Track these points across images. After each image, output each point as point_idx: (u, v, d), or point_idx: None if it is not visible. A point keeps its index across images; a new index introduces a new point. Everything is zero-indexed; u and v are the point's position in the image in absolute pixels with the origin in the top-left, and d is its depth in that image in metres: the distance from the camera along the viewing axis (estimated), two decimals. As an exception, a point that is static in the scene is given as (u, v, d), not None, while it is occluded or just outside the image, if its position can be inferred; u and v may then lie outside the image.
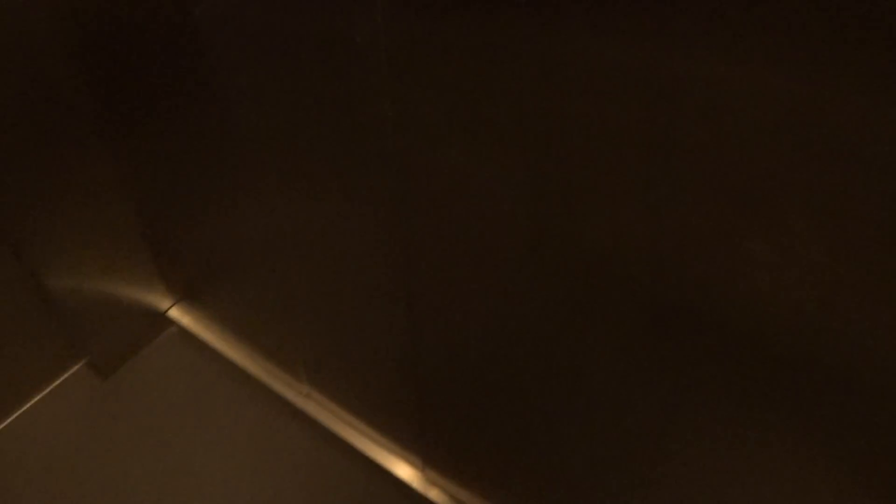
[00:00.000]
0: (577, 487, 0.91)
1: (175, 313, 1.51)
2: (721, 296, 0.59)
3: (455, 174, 0.71)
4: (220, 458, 1.29)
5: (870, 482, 0.60)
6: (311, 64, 0.74)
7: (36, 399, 1.40)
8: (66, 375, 1.44)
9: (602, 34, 0.52)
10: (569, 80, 0.57)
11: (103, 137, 1.20)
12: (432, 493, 1.15)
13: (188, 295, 1.47)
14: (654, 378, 0.70)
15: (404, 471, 1.19)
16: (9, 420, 1.37)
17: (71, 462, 1.29)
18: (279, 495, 1.22)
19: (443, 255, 0.81)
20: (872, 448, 0.58)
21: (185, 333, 1.49)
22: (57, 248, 1.24)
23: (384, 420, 1.19)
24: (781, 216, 0.52)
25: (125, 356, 1.48)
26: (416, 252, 0.84)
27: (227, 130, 0.94)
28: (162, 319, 1.51)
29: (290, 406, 1.32)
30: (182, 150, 1.08)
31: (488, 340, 0.86)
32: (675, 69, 0.51)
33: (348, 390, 1.22)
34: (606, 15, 0.51)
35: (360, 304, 1.00)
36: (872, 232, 0.49)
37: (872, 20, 0.42)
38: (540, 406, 0.87)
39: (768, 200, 0.52)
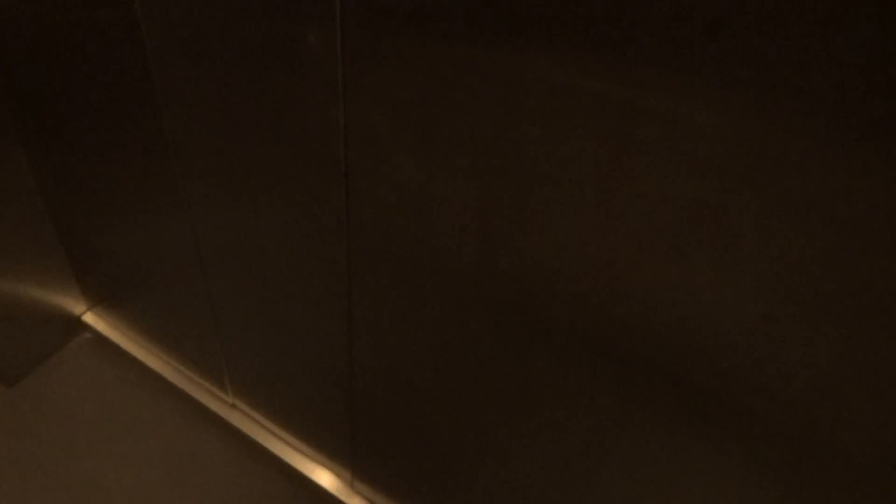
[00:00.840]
0: None
1: (90, 318, 1.44)
2: (664, 314, 0.61)
3: (404, 187, 0.71)
4: (134, 472, 1.23)
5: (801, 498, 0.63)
6: (257, 65, 0.72)
7: (-69, 407, 1.30)
8: (-34, 382, 1.34)
9: (562, 59, 0.53)
10: (525, 100, 0.57)
11: (17, 134, 1.13)
12: (360, 506, 1.14)
13: (104, 299, 1.40)
14: (593, 396, 0.72)
15: (332, 483, 1.16)
16: None
17: (-30, 476, 1.21)
18: (199, 510, 1.18)
19: (387, 269, 0.80)
20: (805, 467, 0.61)
21: (100, 339, 1.42)
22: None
23: (314, 432, 1.16)
24: (727, 235, 0.54)
25: (34, 362, 1.39)
26: (358, 265, 0.82)
27: (156, 132, 0.90)
28: (75, 324, 1.44)
29: (212, 416, 1.27)
30: (104, 149, 1.03)
31: (428, 356, 0.86)
32: (632, 99, 0.52)
33: (278, 401, 1.19)
34: (567, 41, 0.52)
35: (296, 315, 0.98)
36: (814, 252, 0.51)
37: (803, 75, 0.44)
38: (475, 424, 0.87)
39: (715, 221, 0.54)
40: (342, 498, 1.15)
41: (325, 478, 1.17)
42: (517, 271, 0.68)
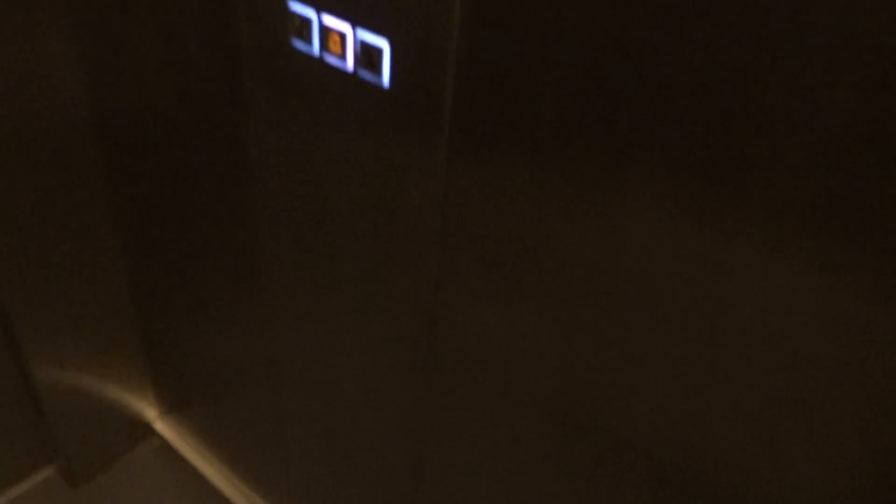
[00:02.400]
0: None
1: (159, 425, 1.44)
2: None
3: (487, 336, 0.69)
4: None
5: None
6: (359, 203, 0.74)
7: (-3, 501, 1.31)
8: (33, 479, 1.35)
9: (665, 210, 0.52)
10: (618, 255, 0.56)
11: (113, 231, 1.18)
12: None
13: (177, 406, 1.41)
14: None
15: None
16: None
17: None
18: None
19: (461, 413, 0.77)
20: None
21: (166, 447, 1.42)
22: (49, 334, 1.20)
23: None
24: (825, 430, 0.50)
25: (101, 465, 1.39)
26: (433, 404, 0.80)
27: (251, 246, 0.93)
28: (145, 429, 1.44)
29: (267, 541, 1.23)
30: (198, 257, 1.06)
31: (498, 501, 0.81)
32: (730, 256, 0.50)
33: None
34: (670, 190, 0.51)
35: (366, 447, 0.95)
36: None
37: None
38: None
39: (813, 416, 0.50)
40: None
41: None
42: (596, 426, 0.65)
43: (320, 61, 0.67)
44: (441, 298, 0.71)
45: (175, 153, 0.96)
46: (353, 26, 0.63)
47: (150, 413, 1.45)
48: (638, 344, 0.59)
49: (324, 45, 0.66)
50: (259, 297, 0.98)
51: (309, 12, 0.66)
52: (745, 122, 0.45)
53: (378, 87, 0.64)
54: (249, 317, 1.03)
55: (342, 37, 0.64)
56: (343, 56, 0.65)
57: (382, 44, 0.61)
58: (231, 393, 1.21)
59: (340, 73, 0.66)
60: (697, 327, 0.54)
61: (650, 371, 0.59)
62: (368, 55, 0.63)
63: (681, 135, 0.48)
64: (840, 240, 0.44)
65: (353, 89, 0.66)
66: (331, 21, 0.64)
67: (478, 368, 0.73)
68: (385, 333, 0.80)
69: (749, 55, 0.43)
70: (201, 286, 1.10)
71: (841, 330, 0.47)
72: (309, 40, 0.67)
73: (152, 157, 1.01)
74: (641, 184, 0.51)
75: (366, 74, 0.64)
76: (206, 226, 0.99)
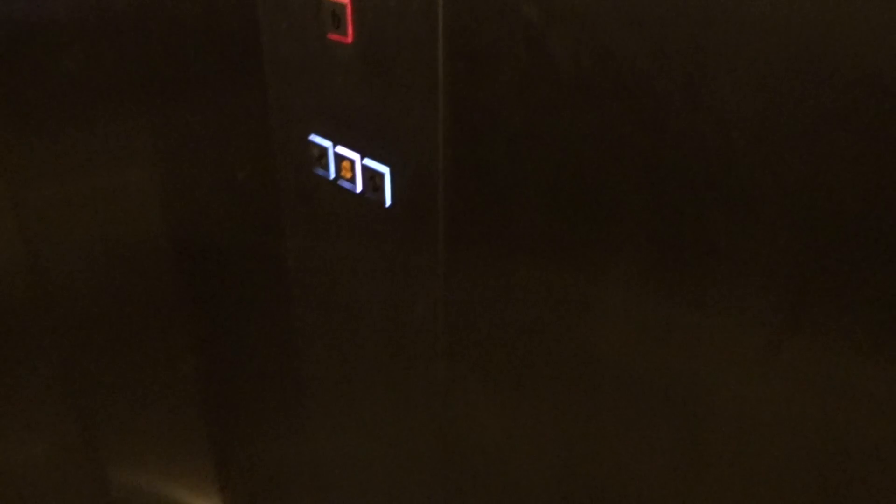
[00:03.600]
0: None
1: (224, 528, 1.48)
2: None
3: (490, 445, 0.71)
4: None
5: None
6: (375, 319, 0.79)
7: None
8: (104, 579, 1.41)
9: (638, 296, 0.54)
10: (598, 345, 0.58)
11: (189, 342, 1.28)
12: None
13: (240, 510, 1.45)
14: None
15: None
16: None
17: None
18: None
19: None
20: None
21: (228, 551, 1.45)
22: (124, 438, 1.28)
23: None
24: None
25: (166, 567, 1.44)
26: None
27: (299, 368, 0.99)
28: (210, 532, 1.49)
29: None
30: (249, 361, 1.13)
31: None
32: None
33: None
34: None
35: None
36: None
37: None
38: None
39: None
40: None
41: None
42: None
43: (335, 184, 0.75)
44: (450, 407, 0.74)
45: (231, 267, 1.05)
46: (361, 156, 0.71)
47: (215, 516, 1.49)
48: (634, 436, 0.59)
49: (338, 171, 0.74)
50: (296, 410, 1.03)
51: (326, 143, 0.74)
52: (705, 210, 0.48)
53: (381, 206, 0.70)
54: (292, 420, 1.08)
55: (352, 163, 0.72)
56: (353, 180, 0.72)
57: (384, 169, 0.68)
58: (288, 497, 1.24)
59: (351, 194, 0.74)
60: (685, 412, 0.55)
61: (649, 464, 0.59)
62: (373, 179, 0.70)
63: (646, 233, 0.51)
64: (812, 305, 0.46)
65: (361, 207, 0.73)
66: (343, 151, 0.72)
67: (488, 480, 0.74)
68: (404, 445, 0.84)
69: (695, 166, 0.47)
70: (255, 391, 1.17)
71: (827, 394, 0.47)
72: (326, 167, 0.75)
73: (215, 273, 1.11)
74: (619, 278, 0.54)
75: (371, 195, 0.71)
76: (254, 333, 1.07)
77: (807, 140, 0.41)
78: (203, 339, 1.24)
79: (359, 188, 0.72)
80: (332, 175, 0.75)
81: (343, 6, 0.65)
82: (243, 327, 1.11)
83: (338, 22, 0.66)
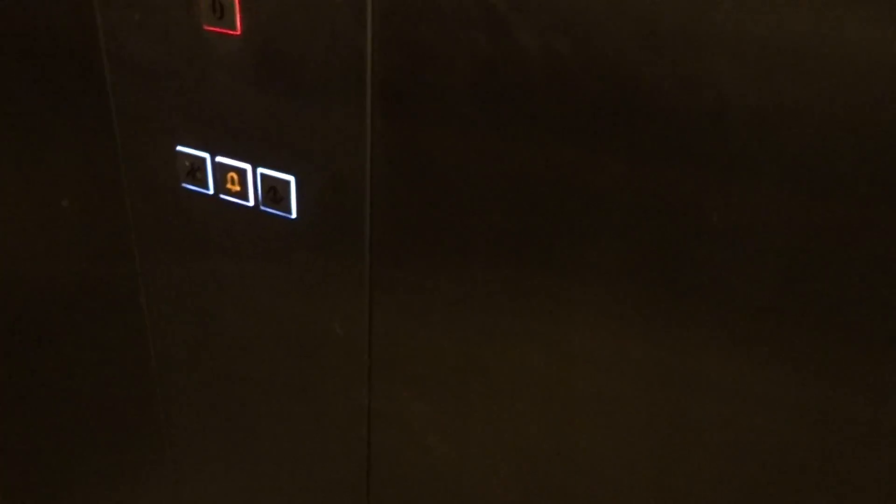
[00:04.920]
0: None
1: None
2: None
3: (434, 466, 0.67)
4: None
5: None
6: (278, 348, 0.70)
7: None
8: None
9: (608, 320, 0.53)
10: (566, 366, 0.56)
11: None
12: None
13: None
14: None
15: None
16: None
17: None
18: None
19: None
20: None
21: None
22: None
23: None
24: None
25: None
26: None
27: (147, 408, 0.85)
28: None
29: None
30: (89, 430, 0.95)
31: None
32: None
33: None
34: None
35: None
36: None
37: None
38: None
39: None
40: None
41: None
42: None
43: (216, 200, 0.65)
44: (379, 433, 0.68)
45: (60, 318, 0.87)
46: (254, 165, 0.62)
47: None
48: (595, 457, 0.58)
49: (219, 184, 0.64)
50: (165, 465, 0.89)
51: (201, 154, 0.64)
52: (686, 233, 0.48)
53: (285, 219, 0.62)
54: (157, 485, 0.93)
55: (242, 174, 0.62)
56: (243, 193, 0.63)
57: (288, 178, 0.60)
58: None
59: (239, 209, 0.64)
60: (654, 435, 0.55)
61: (610, 486, 0.59)
62: (273, 190, 0.61)
63: (620, 249, 0.50)
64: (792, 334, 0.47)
65: (255, 223, 0.64)
66: (227, 161, 0.63)
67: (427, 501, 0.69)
68: (318, 480, 0.75)
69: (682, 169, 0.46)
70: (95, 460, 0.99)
71: (809, 423, 0.49)
72: (202, 182, 0.65)
73: (30, 326, 0.91)
74: (583, 296, 0.53)
75: (270, 208, 0.62)
76: (96, 393, 0.90)
77: (810, 147, 0.42)
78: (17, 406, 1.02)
79: (251, 201, 0.63)
80: (212, 189, 0.65)
81: (229, -7, 0.56)
82: (76, 389, 0.92)
83: (220, 11, 0.57)
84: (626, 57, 0.45)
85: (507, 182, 0.52)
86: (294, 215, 0.62)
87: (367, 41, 0.52)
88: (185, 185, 0.66)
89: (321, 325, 0.66)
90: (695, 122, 0.45)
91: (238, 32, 0.57)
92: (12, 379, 0.96)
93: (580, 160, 0.49)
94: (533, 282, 0.55)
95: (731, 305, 0.48)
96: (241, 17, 0.57)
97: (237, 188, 0.63)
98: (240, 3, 0.56)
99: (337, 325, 0.65)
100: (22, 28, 0.68)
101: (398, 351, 0.64)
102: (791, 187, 0.44)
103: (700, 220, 0.47)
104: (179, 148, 0.65)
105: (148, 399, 0.83)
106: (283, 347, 0.70)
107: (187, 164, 0.65)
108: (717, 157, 0.45)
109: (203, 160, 0.64)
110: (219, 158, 0.63)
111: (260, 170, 0.61)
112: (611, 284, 0.52)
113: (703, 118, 0.44)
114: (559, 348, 0.56)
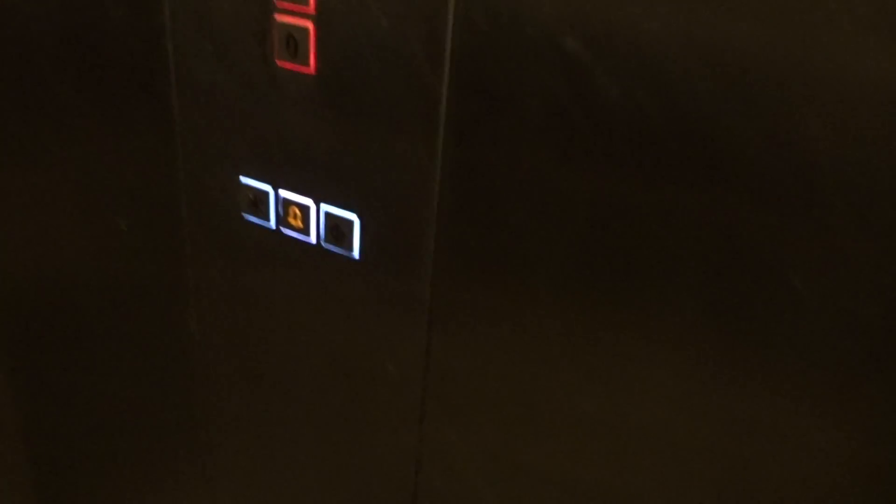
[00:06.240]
0: None
1: None
2: None
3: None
4: None
5: None
6: (329, 384, 0.69)
7: None
8: None
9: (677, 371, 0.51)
10: (625, 416, 0.54)
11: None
12: None
13: None
14: None
15: None
16: None
17: None
18: None
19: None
20: None
21: None
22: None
23: None
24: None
25: None
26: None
27: (199, 444, 0.85)
28: None
29: None
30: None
31: None
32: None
33: None
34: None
35: None
36: None
37: None
38: None
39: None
40: None
41: None
42: None
43: (277, 234, 0.64)
44: (426, 475, 0.67)
45: (110, 351, 0.87)
46: (316, 201, 0.61)
47: None
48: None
49: (282, 218, 0.63)
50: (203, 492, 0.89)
51: (263, 186, 0.63)
52: (757, 277, 0.46)
53: (347, 259, 0.61)
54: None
55: (305, 210, 0.62)
56: (305, 230, 0.62)
57: (351, 217, 0.60)
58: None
59: (301, 245, 0.63)
60: (718, 487, 0.53)
61: None
62: (337, 228, 0.61)
63: (690, 301, 0.48)
64: (861, 393, 0.45)
65: (316, 260, 0.64)
66: (291, 195, 0.62)
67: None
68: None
69: (759, 214, 0.44)
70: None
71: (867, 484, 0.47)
72: (265, 214, 0.64)
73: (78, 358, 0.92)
74: (647, 344, 0.51)
75: (332, 246, 0.61)
76: (146, 428, 0.90)
77: None
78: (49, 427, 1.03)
79: (312, 238, 0.62)
80: (273, 223, 0.64)
81: (305, 30, 0.55)
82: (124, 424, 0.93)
83: (295, 48, 0.57)
84: (715, 112, 0.43)
85: (576, 229, 0.51)
86: (356, 256, 0.61)
87: (442, 85, 0.52)
88: (246, 215, 0.66)
89: (375, 363, 0.65)
90: (781, 182, 0.43)
91: (311, 70, 0.57)
92: (71, 399, 0.97)
93: (656, 208, 0.47)
94: (596, 331, 0.53)
95: (807, 364, 0.46)
96: (315, 56, 0.56)
97: (299, 224, 0.62)
98: (315, 41, 0.56)
99: (391, 365, 0.63)
100: (92, 51, 0.68)
101: (451, 395, 0.62)
102: (882, 258, 0.41)
103: (780, 282, 0.45)
104: (243, 179, 0.64)
105: (192, 424, 0.83)
106: (333, 382, 0.69)
107: (250, 195, 0.64)
108: (804, 217, 0.43)
109: (266, 193, 0.63)
110: (282, 192, 0.63)
111: (323, 206, 0.61)
112: (679, 335, 0.50)
113: (790, 178, 0.42)
114: (618, 396, 0.54)
